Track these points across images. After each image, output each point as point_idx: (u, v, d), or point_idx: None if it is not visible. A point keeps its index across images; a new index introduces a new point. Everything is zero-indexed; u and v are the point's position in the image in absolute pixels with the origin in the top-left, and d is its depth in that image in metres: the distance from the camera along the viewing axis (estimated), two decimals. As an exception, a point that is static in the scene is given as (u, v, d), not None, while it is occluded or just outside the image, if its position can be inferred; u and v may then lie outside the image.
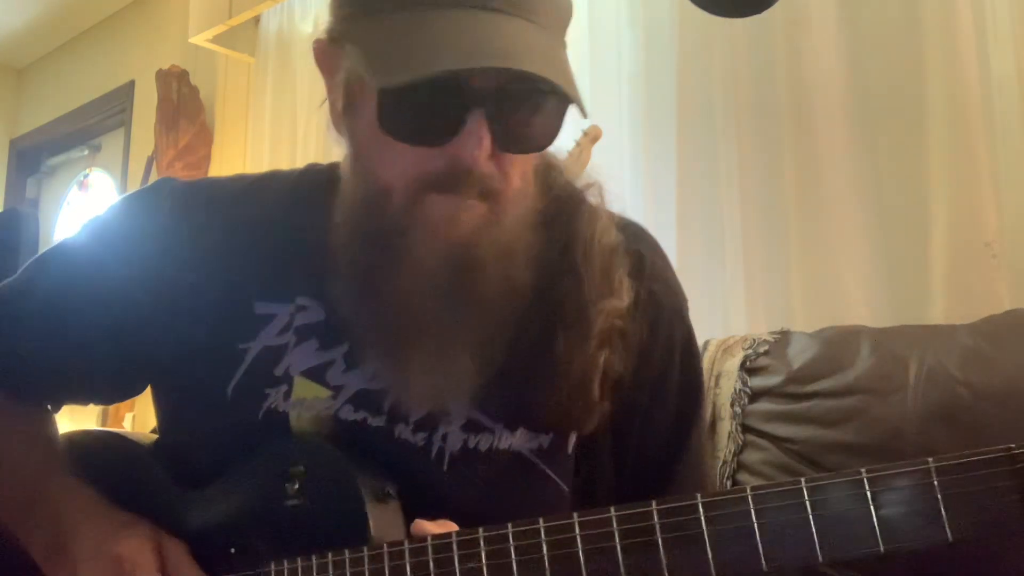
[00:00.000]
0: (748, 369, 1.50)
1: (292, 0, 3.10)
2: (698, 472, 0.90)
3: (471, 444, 0.80)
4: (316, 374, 0.80)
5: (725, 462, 1.46)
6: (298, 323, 0.81)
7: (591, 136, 2.36)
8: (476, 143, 0.69)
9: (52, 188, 4.48)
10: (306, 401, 0.80)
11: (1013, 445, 0.53)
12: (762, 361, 1.50)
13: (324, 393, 0.80)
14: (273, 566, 0.76)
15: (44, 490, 0.84)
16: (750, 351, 1.52)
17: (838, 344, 1.44)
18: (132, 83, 3.80)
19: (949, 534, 0.54)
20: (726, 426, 1.49)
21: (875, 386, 1.34)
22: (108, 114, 3.97)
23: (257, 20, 3.21)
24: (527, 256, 0.77)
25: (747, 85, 1.89)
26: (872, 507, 0.56)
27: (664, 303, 0.87)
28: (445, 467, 0.79)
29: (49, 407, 0.96)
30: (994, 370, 1.25)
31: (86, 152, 4.23)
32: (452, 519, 0.73)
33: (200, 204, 0.88)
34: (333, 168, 0.86)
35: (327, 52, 0.79)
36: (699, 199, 1.93)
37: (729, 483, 1.45)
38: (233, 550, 0.78)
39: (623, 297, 0.81)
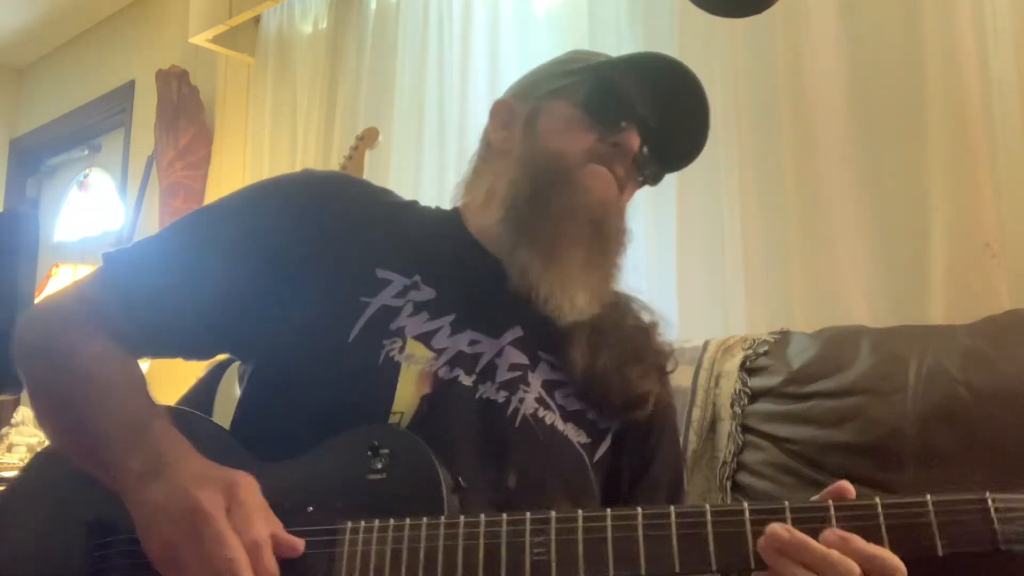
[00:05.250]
0: (748, 369, 1.50)
1: (292, 0, 3.11)
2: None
3: (540, 415, 0.98)
4: (424, 339, 0.98)
5: (725, 462, 1.46)
6: (412, 297, 0.99)
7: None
8: (633, 139, 1.05)
9: (52, 188, 4.48)
10: (415, 356, 0.96)
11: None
12: (762, 361, 1.50)
13: (429, 354, 0.97)
14: (349, 524, 0.82)
15: (148, 424, 0.88)
16: (750, 351, 1.52)
17: (838, 344, 1.44)
18: (132, 83, 3.80)
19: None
20: (726, 426, 1.48)
21: (875, 386, 1.34)
22: (108, 114, 3.97)
23: (257, 20, 3.21)
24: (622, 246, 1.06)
25: (747, 85, 1.89)
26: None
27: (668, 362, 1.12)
28: (517, 423, 0.96)
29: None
30: (994, 370, 1.25)
31: (86, 152, 4.23)
32: (511, 469, 0.93)
33: (338, 185, 1.09)
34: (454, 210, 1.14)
35: (510, 108, 1.11)
36: (699, 199, 1.93)
37: (729, 483, 1.45)
38: (311, 508, 0.85)
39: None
